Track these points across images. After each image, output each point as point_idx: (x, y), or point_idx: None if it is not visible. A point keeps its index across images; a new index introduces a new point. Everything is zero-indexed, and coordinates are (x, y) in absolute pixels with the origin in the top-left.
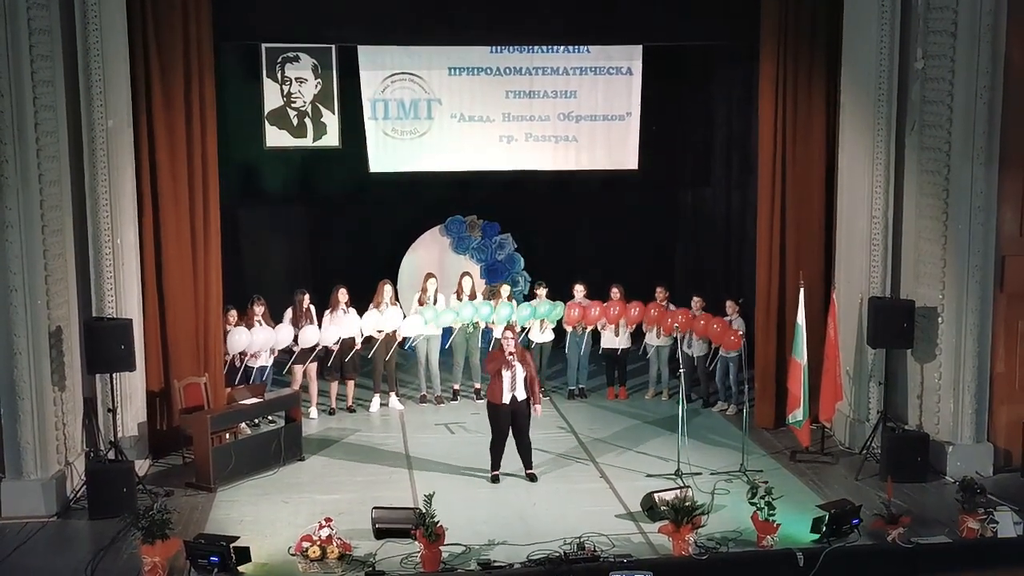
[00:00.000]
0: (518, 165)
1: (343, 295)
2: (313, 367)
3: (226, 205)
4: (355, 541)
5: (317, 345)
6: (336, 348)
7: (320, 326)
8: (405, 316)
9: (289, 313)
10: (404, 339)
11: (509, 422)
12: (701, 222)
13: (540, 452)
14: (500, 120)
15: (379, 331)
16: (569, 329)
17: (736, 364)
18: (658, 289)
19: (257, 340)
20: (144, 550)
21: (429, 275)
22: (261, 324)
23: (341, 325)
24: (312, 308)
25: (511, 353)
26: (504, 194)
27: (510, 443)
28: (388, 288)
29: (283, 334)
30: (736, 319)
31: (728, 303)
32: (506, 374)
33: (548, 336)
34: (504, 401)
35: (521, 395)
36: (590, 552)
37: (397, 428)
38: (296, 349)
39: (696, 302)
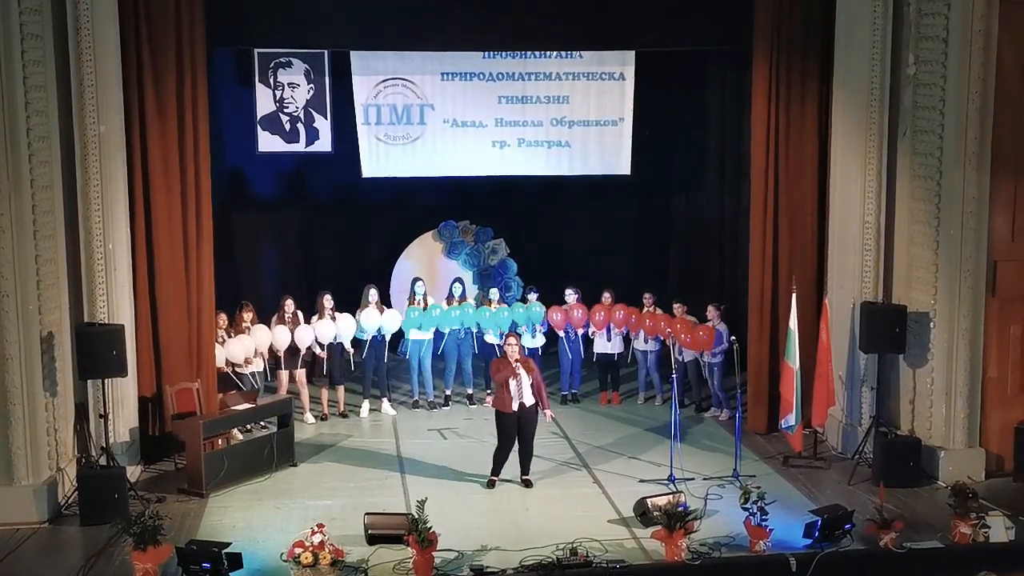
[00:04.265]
0: (511, 170)
1: (328, 301)
2: (302, 372)
3: (218, 210)
4: (347, 547)
5: (298, 350)
6: (324, 354)
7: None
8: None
9: (275, 319)
10: (396, 342)
11: (516, 430)
12: (694, 227)
13: (534, 457)
14: (493, 125)
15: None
16: (561, 334)
17: (720, 369)
18: (645, 295)
19: (233, 351)
20: (136, 556)
21: (416, 279)
22: (250, 331)
23: (318, 327)
24: (299, 313)
25: (516, 360)
26: (497, 199)
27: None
28: (373, 292)
29: (259, 336)
30: (719, 324)
31: (710, 308)
32: (512, 383)
33: (539, 341)
34: (513, 409)
35: (529, 401)
36: (583, 558)
37: (390, 433)
38: (280, 354)
39: (678, 308)
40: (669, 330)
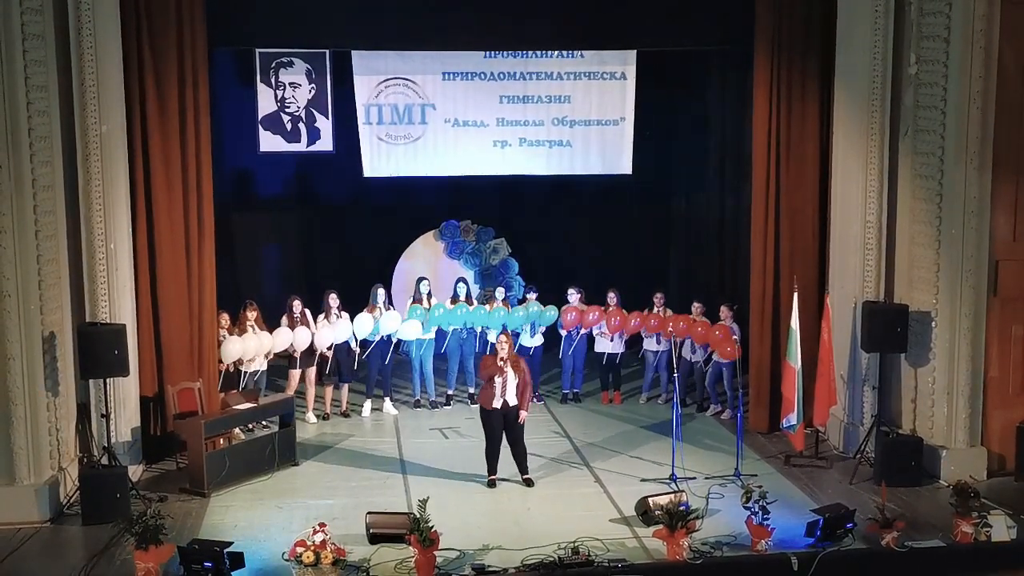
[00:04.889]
0: (512, 170)
1: (334, 300)
2: (312, 371)
3: (220, 210)
4: (349, 546)
5: (315, 350)
6: (331, 353)
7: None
8: (403, 320)
9: (285, 320)
10: (399, 343)
11: (501, 426)
12: (695, 227)
13: (534, 457)
14: (494, 125)
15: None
16: (564, 333)
17: (730, 370)
18: (656, 295)
19: (250, 347)
20: (138, 556)
21: (421, 278)
22: (254, 329)
23: (335, 329)
24: (307, 312)
25: (502, 359)
26: (498, 199)
27: (506, 448)
28: (381, 292)
29: (280, 339)
30: (731, 324)
31: (722, 308)
32: (497, 380)
33: (539, 341)
34: (495, 406)
35: (513, 401)
36: (584, 557)
37: (391, 433)
38: (296, 355)
39: (696, 308)
40: (678, 326)
